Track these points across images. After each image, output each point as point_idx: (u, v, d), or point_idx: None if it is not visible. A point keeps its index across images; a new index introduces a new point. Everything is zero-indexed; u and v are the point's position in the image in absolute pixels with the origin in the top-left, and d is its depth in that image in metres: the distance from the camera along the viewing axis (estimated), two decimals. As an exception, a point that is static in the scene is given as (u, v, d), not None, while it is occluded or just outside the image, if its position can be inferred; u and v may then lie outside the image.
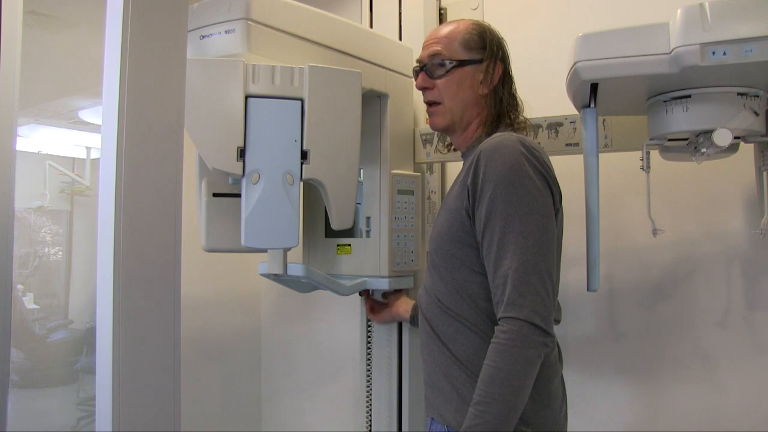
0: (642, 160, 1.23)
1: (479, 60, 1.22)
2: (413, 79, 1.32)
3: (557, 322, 1.17)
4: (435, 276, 1.17)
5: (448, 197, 1.19)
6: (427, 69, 1.25)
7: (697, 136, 1.17)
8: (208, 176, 1.37)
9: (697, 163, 1.22)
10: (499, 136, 1.11)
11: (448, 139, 1.36)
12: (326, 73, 1.30)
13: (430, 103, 1.26)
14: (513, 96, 1.26)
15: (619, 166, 1.52)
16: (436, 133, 1.69)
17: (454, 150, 1.36)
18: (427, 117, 1.31)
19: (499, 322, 1.02)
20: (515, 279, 1.00)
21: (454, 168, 1.83)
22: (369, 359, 1.68)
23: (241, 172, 1.23)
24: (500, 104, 1.23)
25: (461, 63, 1.22)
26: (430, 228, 1.74)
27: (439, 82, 1.23)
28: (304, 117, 1.26)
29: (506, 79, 1.25)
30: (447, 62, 1.22)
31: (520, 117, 1.26)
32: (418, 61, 1.28)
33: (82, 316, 2.39)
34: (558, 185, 1.12)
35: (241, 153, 1.23)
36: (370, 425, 1.68)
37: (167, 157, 0.89)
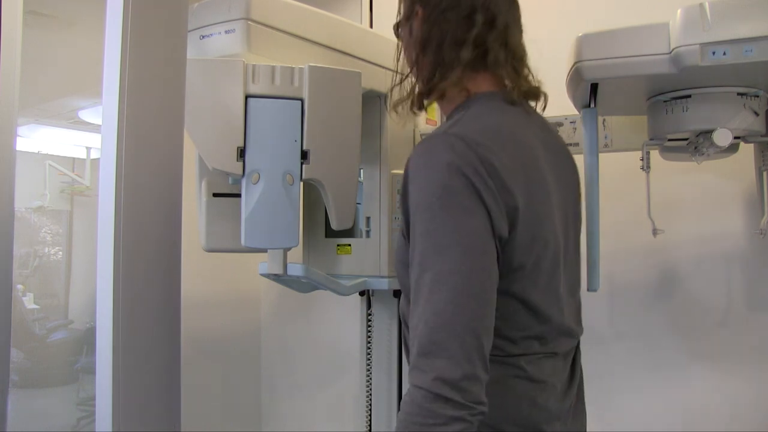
0: (642, 160, 1.23)
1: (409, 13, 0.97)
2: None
3: (577, 335, 0.98)
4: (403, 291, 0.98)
5: None
6: None
7: (697, 136, 1.17)
8: (208, 176, 1.37)
9: (697, 163, 1.22)
10: (426, 140, 0.87)
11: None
12: (326, 73, 1.30)
13: None
14: (459, 45, 0.91)
15: (619, 166, 1.52)
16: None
17: None
18: None
19: None
20: (423, 335, 0.77)
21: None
22: (369, 359, 1.68)
23: (241, 172, 1.23)
24: (434, 62, 0.93)
25: (399, 24, 1.00)
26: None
27: None
28: (304, 117, 1.26)
29: (439, 24, 0.92)
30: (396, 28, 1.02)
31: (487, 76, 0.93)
32: None
33: (82, 316, 2.39)
34: (512, 194, 0.82)
35: (241, 153, 1.23)
36: (370, 425, 1.67)
37: (167, 157, 0.89)
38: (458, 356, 0.75)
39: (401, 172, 1.59)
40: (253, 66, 1.24)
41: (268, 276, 1.38)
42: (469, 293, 0.78)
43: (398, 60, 1.01)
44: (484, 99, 0.93)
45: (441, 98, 0.96)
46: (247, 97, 1.23)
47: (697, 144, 1.17)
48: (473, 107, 0.92)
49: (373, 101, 1.57)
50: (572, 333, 0.96)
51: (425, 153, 0.84)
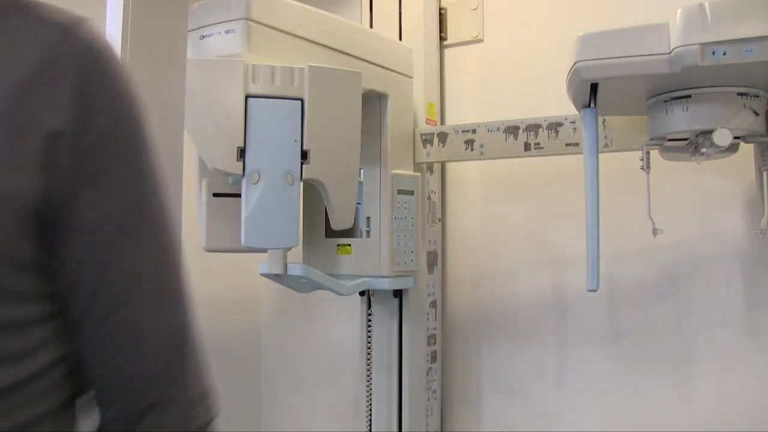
0: (642, 160, 1.23)
1: None
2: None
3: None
4: None
5: None
6: None
7: (697, 136, 1.17)
8: (208, 176, 1.37)
9: (697, 163, 1.22)
10: (87, 29, 0.56)
11: None
12: (326, 73, 1.30)
13: None
14: None
15: (619, 166, 1.52)
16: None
17: None
18: None
19: None
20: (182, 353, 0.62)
21: (454, 168, 1.83)
22: (369, 359, 1.68)
23: (241, 172, 1.23)
24: None
25: None
26: (430, 228, 1.73)
27: None
28: (304, 117, 1.26)
29: None
30: None
31: None
32: None
33: (82, 316, 2.39)
34: None
35: (241, 153, 1.23)
36: (370, 425, 1.67)
37: (167, 157, 0.89)
38: None
39: (402, 172, 1.61)
40: (253, 66, 1.24)
41: (268, 276, 1.38)
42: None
43: None
44: None
45: None
46: (247, 97, 1.23)
47: (697, 144, 1.17)
48: None
49: (373, 101, 1.57)
50: None
51: (111, 59, 0.56)
